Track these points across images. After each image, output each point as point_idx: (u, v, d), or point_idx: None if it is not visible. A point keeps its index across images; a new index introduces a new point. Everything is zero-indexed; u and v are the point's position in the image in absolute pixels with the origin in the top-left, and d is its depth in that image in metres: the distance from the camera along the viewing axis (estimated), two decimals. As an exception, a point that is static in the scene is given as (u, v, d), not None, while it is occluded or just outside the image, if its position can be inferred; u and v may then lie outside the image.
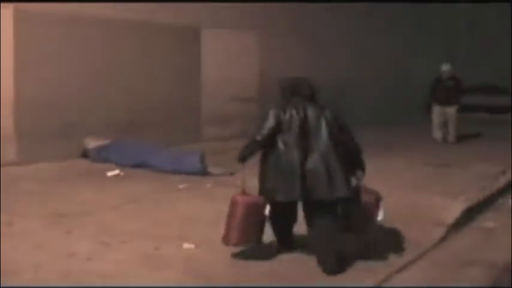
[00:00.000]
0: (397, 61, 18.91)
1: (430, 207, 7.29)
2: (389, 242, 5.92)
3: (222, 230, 5.36)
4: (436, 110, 13.96)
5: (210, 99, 12.87)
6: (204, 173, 8.85)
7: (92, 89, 10.59)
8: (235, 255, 5.42)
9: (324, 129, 5.23)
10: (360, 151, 5.45)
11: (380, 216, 5.45)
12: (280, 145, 5.20)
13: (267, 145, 5.26)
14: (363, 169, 5.46)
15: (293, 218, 5.53)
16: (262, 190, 5.33)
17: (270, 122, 5.23)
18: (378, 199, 5.47)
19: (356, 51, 17.16)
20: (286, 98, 5.44)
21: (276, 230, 5.45)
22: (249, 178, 5.38)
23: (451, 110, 13.78)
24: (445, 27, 21.72)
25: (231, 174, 8.45)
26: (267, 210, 5.29)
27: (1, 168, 8.82)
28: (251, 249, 5.42)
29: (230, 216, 5.33)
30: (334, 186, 5.13)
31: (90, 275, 4.89)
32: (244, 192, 5.35)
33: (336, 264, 5.18)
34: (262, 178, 5.33)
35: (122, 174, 9.00)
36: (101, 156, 9.97)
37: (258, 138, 5.25)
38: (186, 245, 5.66)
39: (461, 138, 13.96)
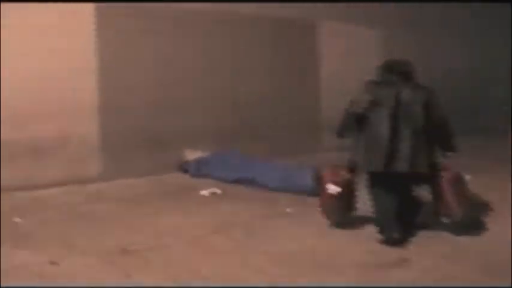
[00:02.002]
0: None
1: None
2: None
3: (328, 275, 4.52)
4: None
5: (330, 101, 11.04)
6: (318, 192, 7.06)
7: (189, 94, 9.14)
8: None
9: (416, 108, 5.34)
10: (452, 132, 5.57)
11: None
12: (373, 119, 5.36)
13: (361, 119, 5.41)
14: (453, 149, 5.61)
15: (393, 198, 5.44)
16: (350, 162, 5.62)
17: (366, 97, 5.40)
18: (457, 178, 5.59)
19: (477, 50, 14.48)
20: (383, 76, 5.58)
21: (377, 211, 5.53)
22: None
23: None
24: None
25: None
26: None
27: (79, 186, 7.58)
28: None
29: (322, 192, 5.81)
30: (416, 161, 5.28)
31: None
32: (334, 169, 5.83)
33: (396, 233, 5.22)
34: (352, 151, 5.59)
35: (219, 192, 7.45)
36: (201, 170, 8.52)
37: (354, 111, 5.43)
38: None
39: None
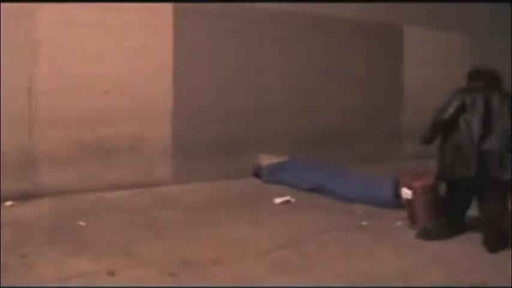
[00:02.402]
0: None
1: None
2: None
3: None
4: None
5: (412, 109, 10.50)
6: (397, 204, 6.59)
7: (266, 99, 8.81)
8: (419, 235, 5.54)
9: (506, 115, 5.28)
10: None
11: None
12: (462, 125, 5.31)
13: (449, 125, 5.36)
14: None
15: (467, 200, 5.54)
16: (440, 168, 5.49)
17: (456, 102, 5.34)
18: None
19: None
20: (471, 82, 5.55)
21: (449, 210, 5.58)
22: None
23: None
24: None
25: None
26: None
27: (149, 189, 7.39)
28: (432, 228, 5.58)
29: (410, 201, 5.84)
30: (506, 168, 5.19)
31: None
32: (419, 176, 5.86)
33: (495, 242, 5.21)
34: (441, 156, 5.47)
35: (292, 200, 7.08)
36: (275, 175, 8.17)
37: (444, 116, 5.36)
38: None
39: None
